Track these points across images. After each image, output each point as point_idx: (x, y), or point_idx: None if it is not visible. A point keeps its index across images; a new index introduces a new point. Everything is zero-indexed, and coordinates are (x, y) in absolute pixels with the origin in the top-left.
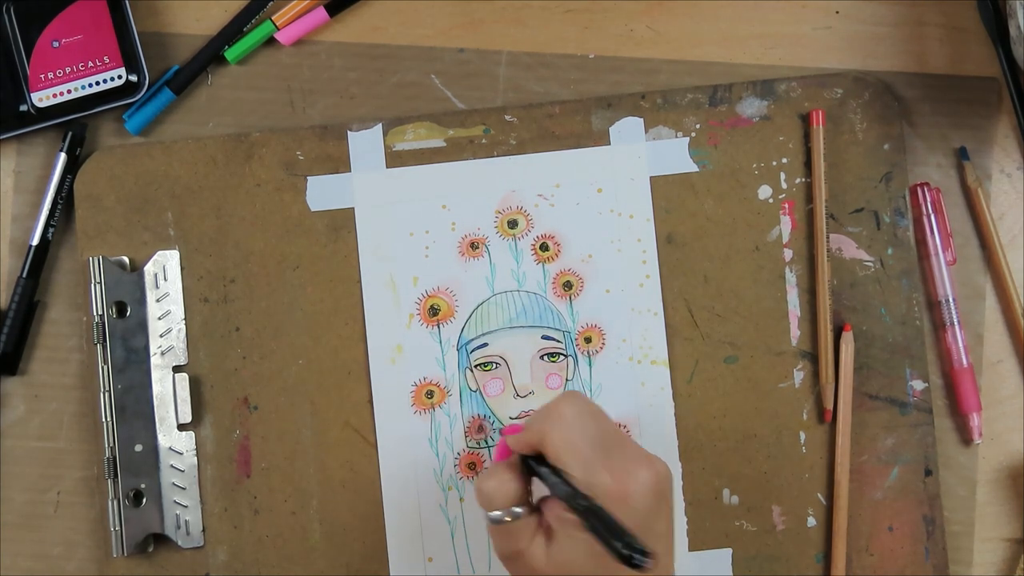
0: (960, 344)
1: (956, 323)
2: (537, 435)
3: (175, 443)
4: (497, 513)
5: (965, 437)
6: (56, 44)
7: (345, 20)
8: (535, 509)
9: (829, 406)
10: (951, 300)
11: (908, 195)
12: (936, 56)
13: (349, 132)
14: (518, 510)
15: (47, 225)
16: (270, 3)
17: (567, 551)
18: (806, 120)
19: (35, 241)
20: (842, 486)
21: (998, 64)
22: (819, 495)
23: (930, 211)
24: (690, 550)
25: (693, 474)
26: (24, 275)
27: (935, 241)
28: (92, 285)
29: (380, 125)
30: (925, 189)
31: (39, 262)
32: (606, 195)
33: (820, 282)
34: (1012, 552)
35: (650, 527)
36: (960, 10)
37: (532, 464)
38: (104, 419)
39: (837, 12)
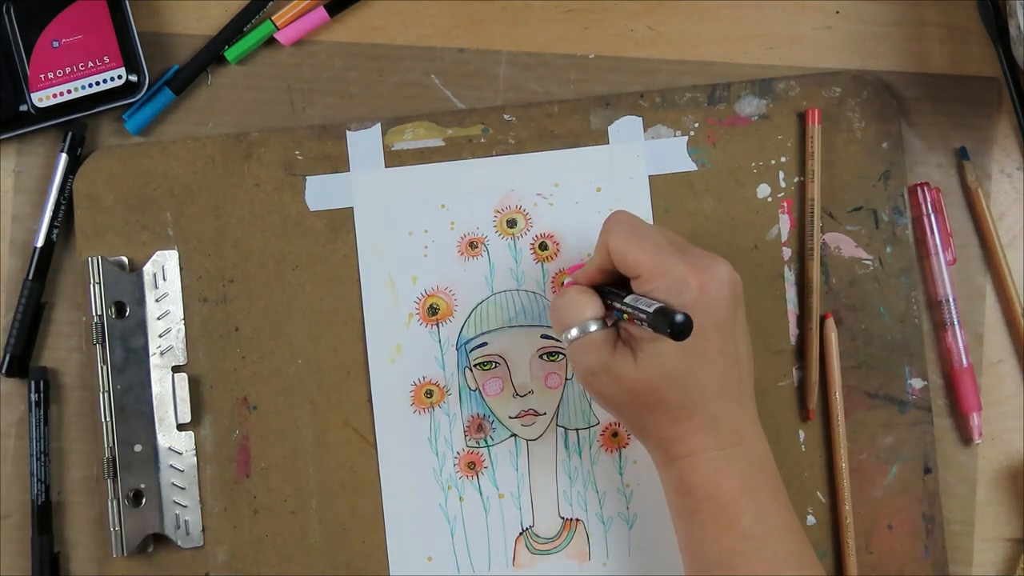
0: (960, 344)
1: (956, 323)
2: (601, 248)
3: (174, 443)
4: (575, 331)
5: (965, 437)
6: (56, 44)
7: (345, 20)
8: (611, 326)
9: (812, 406)
10: (951, 300)
11: (907, 194)
12: (936, 56)
13: (348, 132)
14: (594, 325)
15: (51, 226)
16: (270, 3)
17: (655, 350)
18: (804, 119)
19: (39, 243)
20: (843, 476)
21: (998, 64)
22: (819, 493)
23: (930, 211)
24: None
25: None
26: (30, 278)
27: (935, 241)
28: (91, 285)
29: (379, 125)
30: (925, 189)
31: (44, 264)
32: (605, 194)
33: (813, 279)
34: (1012, 552)
35: (730, 324)
36: (960, 10)
37: (601, 292)
38: (103, 419)
39: (837, 12)
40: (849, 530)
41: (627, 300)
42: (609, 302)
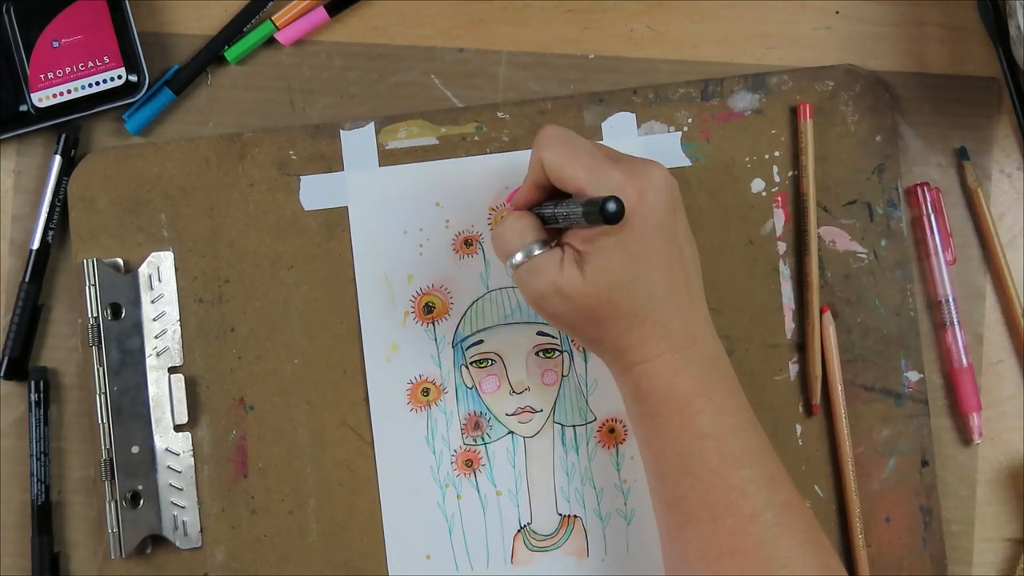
0: (960, 344)
1: (956, 323)
2: (536, 165)
3: (172, 444)
4: (519, 255)
5: (965, 437)
6: (56, 44)
7: (345, 20)
8: (555, 246)
9: (816, 400)
10: (951, 300)
11: (901, 186)
12: (936, 56)
13: (342, 131)
14: (537, 248)
15: (46, 228)
16: (270, 3)
17: (601, 261)
18: (795, 114)
19: (35, 245)
20: (849, 472)
21: (998, 64)
22: (816, 488)
23: (930, 211)
24: None
25: None
26: (26, 280)
27: (935, 241)
28: (87, 287)
29: (372, 124)
30: (925, 189)
31: (40, 266)
32: None
33: (810, 273)
34: (1012, 552)
35: (671, 227)
36: (960, 10)
37: (539, 211)
38: (100, 421)
39: (837, 12)
40: (858, 525)
41: (559, 208)
42: (546, 218)
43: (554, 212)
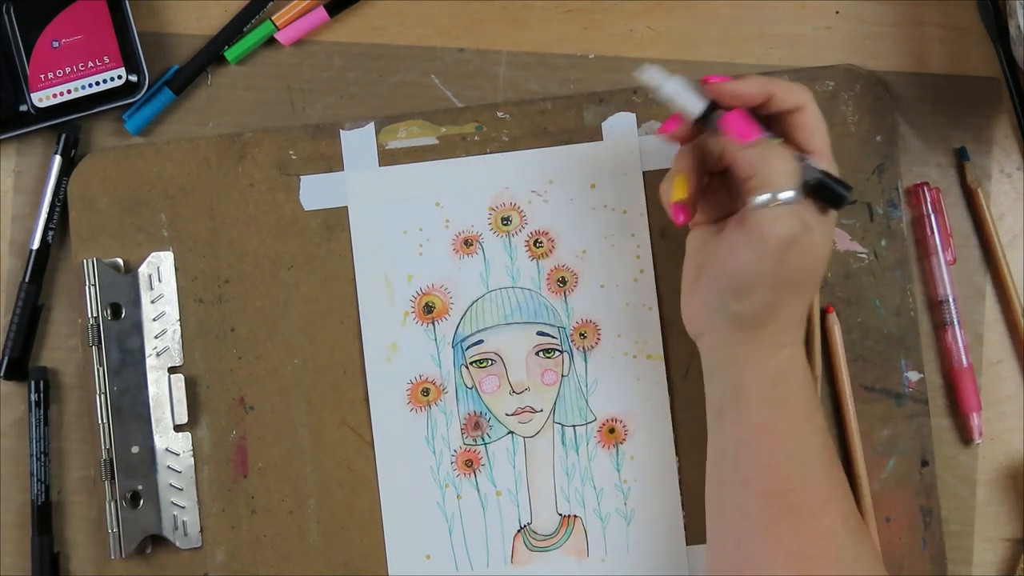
0: (960, 344)
1: (956, 323)
2: (795, 96)
3: (172, 444)
4: (766, 196)
5: (965, 437)
6: (56, 44)
7: (345, 20)
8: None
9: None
10: (951, 300)
11: (901, 186)
12: (936, 56)
13: (341, 131)
14: (793, 192)
15: (46, 228)
16: (270, 3)
17: (828, 232)
18: None
19: (35, 245)
20: (861, 473)
21: (998, 64)
22: None
23: (930, 211)
24: (688, 544)
25: (690, 469)
26: (26, 280)
27: (935, 241)
28: (87, 287)
29: (372, 124)
30: (925, 189)
31: (40, 266)
32: (599, 190)
33: None
34: (1012, 552)
35: None
36: (960, 10)
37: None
38: (100, 421)
39: (837, 12)
40: (871, 524)
41: (816, 170)
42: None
43: (810, 168)
